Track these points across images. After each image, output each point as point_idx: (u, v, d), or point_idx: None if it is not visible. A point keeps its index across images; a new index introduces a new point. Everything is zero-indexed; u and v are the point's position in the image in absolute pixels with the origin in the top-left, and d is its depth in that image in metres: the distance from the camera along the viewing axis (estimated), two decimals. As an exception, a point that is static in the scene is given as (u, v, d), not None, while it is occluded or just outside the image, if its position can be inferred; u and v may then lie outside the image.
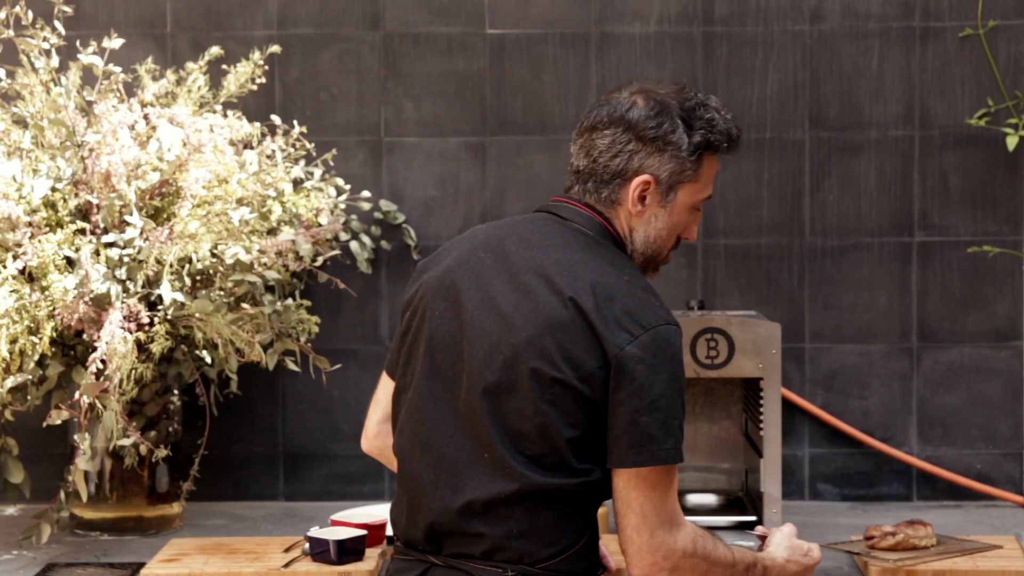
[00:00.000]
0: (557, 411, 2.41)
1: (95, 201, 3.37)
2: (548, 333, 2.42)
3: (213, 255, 3.40)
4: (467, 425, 2.47)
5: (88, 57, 3.51)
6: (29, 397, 3.41)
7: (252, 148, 3.75)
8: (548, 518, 2.45)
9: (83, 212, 3.42)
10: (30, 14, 3.49)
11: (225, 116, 3.72)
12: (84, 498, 3.49)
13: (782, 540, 2.63)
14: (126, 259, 3.32)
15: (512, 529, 2.44)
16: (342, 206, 3.86)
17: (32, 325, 3.26)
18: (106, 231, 3.39)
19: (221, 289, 3.43)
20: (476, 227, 2.64)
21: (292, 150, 3.80)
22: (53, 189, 3.37)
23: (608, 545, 2.70)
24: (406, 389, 2.56)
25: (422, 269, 2.62)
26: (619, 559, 2.63)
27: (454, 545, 2.48)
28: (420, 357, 2.53)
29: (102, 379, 3.23)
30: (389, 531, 3.42)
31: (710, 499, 3.65)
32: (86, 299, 3.23)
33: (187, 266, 3.36)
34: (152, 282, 3.35)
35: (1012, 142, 3.85)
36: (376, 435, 2.69)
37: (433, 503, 2.48)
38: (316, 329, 3.58)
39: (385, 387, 2.66)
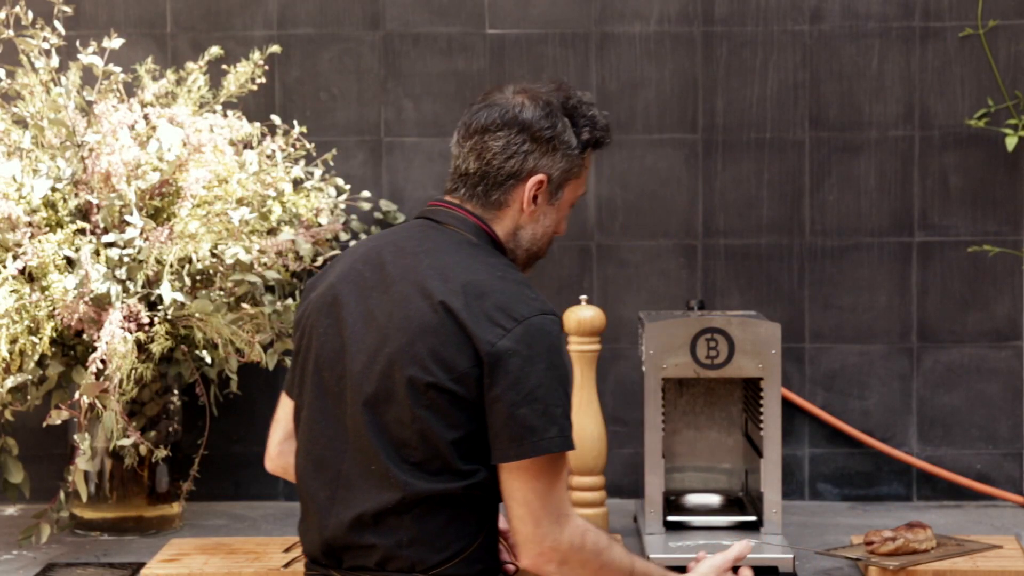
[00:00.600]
0: (435, 415, 2.41)
1: (95, 201, 3.37)
2: (420, 339, 2.42)
3: (213, 255, 3.40)
4: (355, 439, 2.47)
5: (88, 57, 3.51)
6: (29, 397, 3.41)
7: (252, 148, 3.75)
8: (437, 524, 2.45)
9: (83, 212, 3.42)
10: (30, 14, 3.49)
11: (225, 116, 3.72)
12: (84, 498, 3.49)
13: (709, 570, 2.59)
14: (126, 259, 3.32)
15: (402, 538, 2.44)
16: (342, 206, 3.86)
17: (32, 325, 3.26)
18: (106, 231, 3.39)
19: (221, 289, 3.43)
20: (360, 240, 2.66)
21: (292, 150, 3.80)
22: (53, 189, 3.37)
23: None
24: (301, 408, 2.58)
25: (310, 287, 2.63)
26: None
27: (351, 558, 2.49)
28: (309, 375, 2.54)
29: (102, 379, 3.23)
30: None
31: (710, 499, 3.65)
32: (86, 299, 3.23)
33: (187, 266, 3.37)
34: (152, 282, 3.35)
35: (1012, 142, 3.85)
36: (278, 454, 2.70)
37: (328, 519, 2.50)
38: (316, 329, 3.58)
39: (284, 406, 2.68)
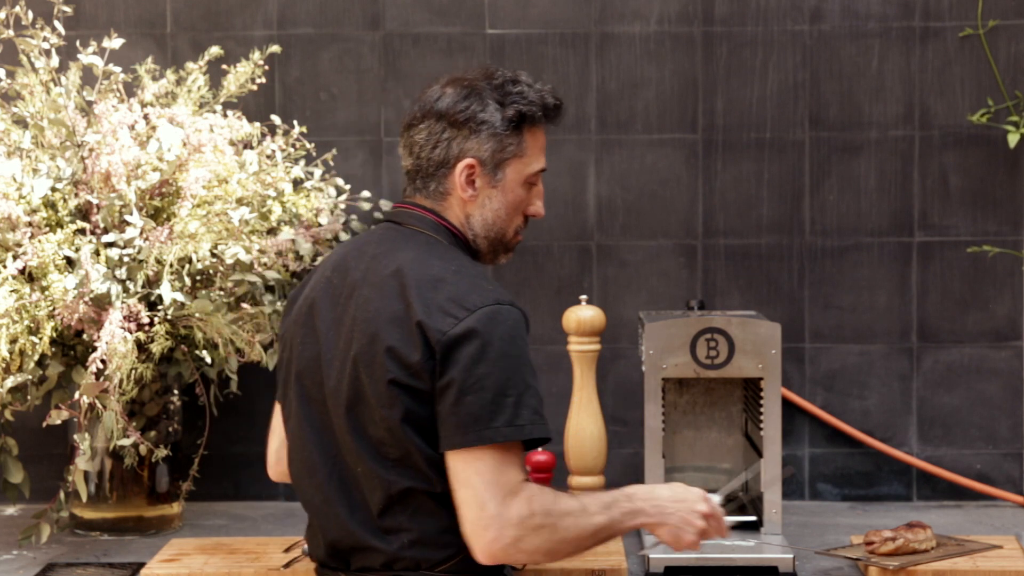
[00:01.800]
0: (398, 412, 2.42)
1: (95, 201, 3.37)
2: (378, 338, 2.44)
3: (213, 255, 3.40)
4: (341, 443, 2.50)
5: (88, 57, 3.51)
6: (29, 397, 3.41)
7: (252, 148, 3.75)
8: (437, 524, 2.46)
9: (83, 212, 3.42)
10: (30, 14, 3.49)
11: (225, 116, 3.72)
12: (84, 498, 3.49)
13: (671, 485, 2.55)
14: (126, 259, 3.32)
15: (404, 540, 2.45)
16: (342, 206, 3.86)
17: (32, 325, 3.26)
18: (106, 231, 3.39)
19: (221, 289, 3.43)
20: (335, 248, 2.70)
21: (292, 150, 3.80)
22: (53, 189, 3.37)
23: None
24: (288, 418, 2.62)
25: (291, 300, 2.68)
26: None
27: (358, 560, 2.51)
28: (292, 384, 2.58)
29: (102, 379, 3.23)
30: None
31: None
32: (86, 299, 3.23)
33: (187, 266, 3.36)
34: (152, 282, 3.35)
35: (1013, 139, 3.85)
36: (276, 462, 2.75)
37: (329, 523, 2.52)
38: (316, 329, 3.58)
39: (278, 415, 2.73)
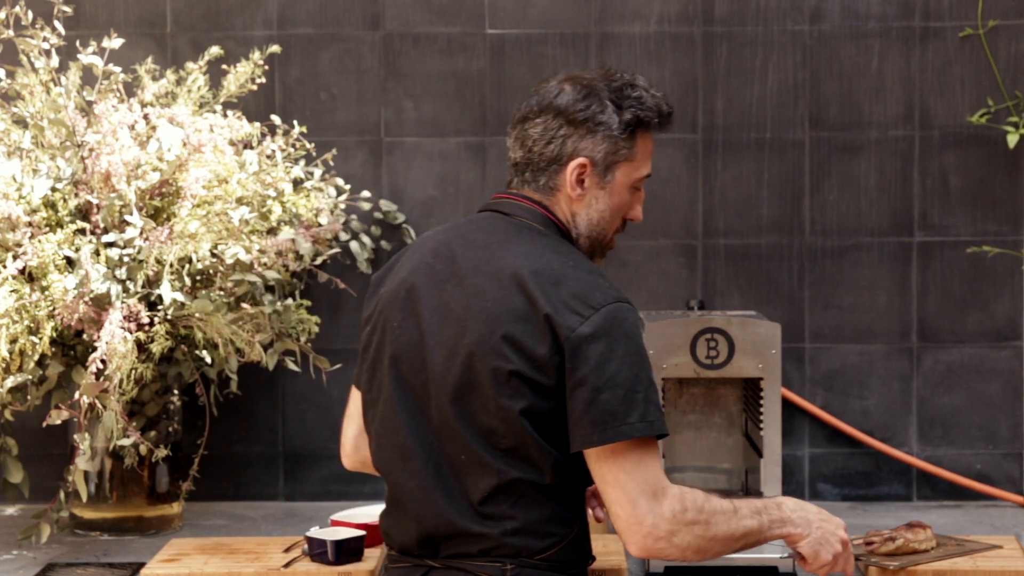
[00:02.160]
0: (518, 404, 2.42)
1: (95, 201, 3.37)
2: (499, 328, 2.44)
3: (213, 255, 3.40)
4: (441, 429, 2.50)
5: (88, 57, 3.51)
6: (29, 397, 3.41)
7: (252, 148, 3.75)
8: (540, 513, 2.47)
9: (83, 212, 3.42)
10: (30, 14, 3.49)
11: (225, 116, 3.71)
12: (84, 498, 3.49)
13: (815, 506, 2.60)
14: (126, 259, 3.32)
15: (507, 527, 2.46)
16: (342, 206, 3.86)
17: (32, 325, 3.26)
18: (106, 231, 3.39)
19: (221, 289, 3.43)
20: (425, 234, 2.67)
21: (292, 150, 3.80)
22: (53, 189, 3.37)
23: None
24: (375, 403, 2.59)
25: (377, 283, 2.65)
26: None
27: (451, 547, 2.50)
28: (385, 370, 2.56)
29: (102, 379, 3.23)
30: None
31: (710, 499, 3.64)
32: (86, 299, 3.23)
33: (187, 266, 3.36)
34: (152, 282, 3.35)
35: (1013, 140, 3.85)
36: (354, 450, 2.71)
37: (423, 509, 2.51)
38: (316, 329, 3.59)
39: (355, 401, 2.69)
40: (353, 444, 2.71)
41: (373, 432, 2.60)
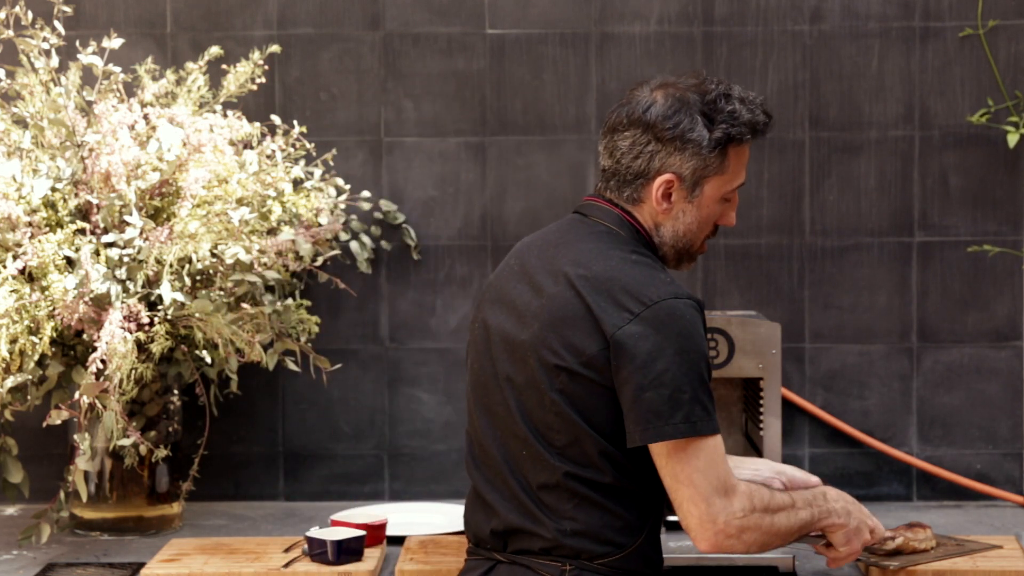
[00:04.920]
0: (569, 399, 2.45)
1: (95, 201, 3.37)
2: (551, 325, 2.48)
3: (213, 255, 3.40)
4: (505, 425, 2.54)
5: (88, 57, 3.51)
6: (29, 397, 3.41)
7: (252, 148, 3.75)
8: (600, 517, 2.47)
9: (83, 212, 3.42)
10: (30, 14, 3.49)
11: (225, 116, 3.71)
12: (84, 498, 3.49)
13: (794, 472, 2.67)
14: (126, 259, 3.32)
15: (566, 527, 2.47)
16: (342, 206, 3.86)
17: (32, 325, 3.26)
18: (106, 231, 3.39)
19: (221, 289, 3.43)
20: (525, 238, 2.73)
21: (292, 150, 3.80)
22: (53, 189, 3.37)
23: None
24: (468, 399, 2.70)
25: (485, 288, 2.74)
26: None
27: (517, 542, 2.54)
28: (471, 370, 2.66)
29: (102, 379, 3.23)
30: (388, 531, 3.42)
31: (710, 499, 3.64)
32: (86, 299, 3.23)
33: (187, 266, 3.36)
34: (152, 282, 3.35)
35: (1013, 139, 3.85)
36: None
37: (495, 503, 2.56)
38: (316, 329, 3.59)
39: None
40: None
41: (466, 428, 2.69)
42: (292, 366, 3.59)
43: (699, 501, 2.40)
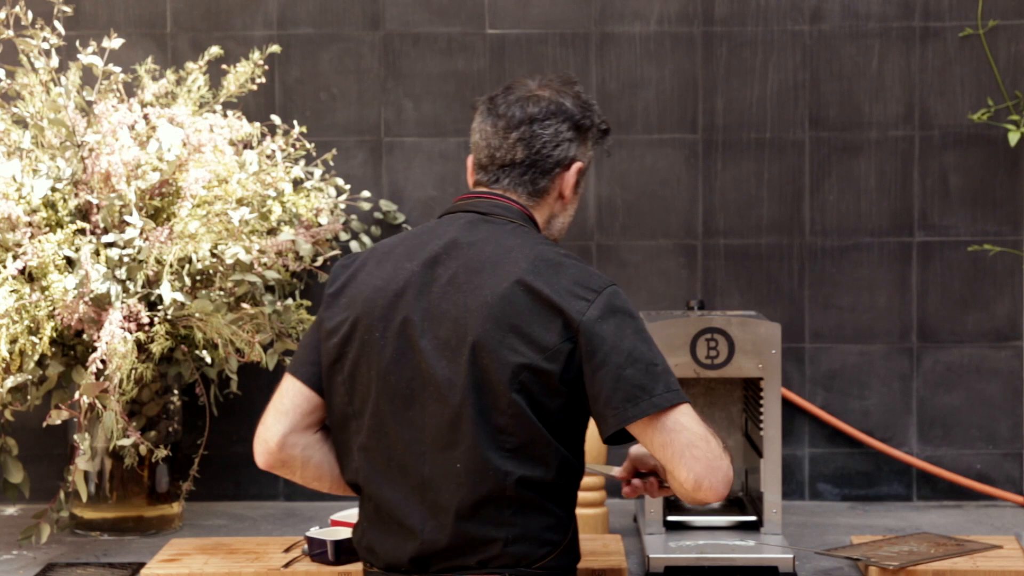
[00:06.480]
0: (529, 398, 2.42)
1: (95, 201, 3.37)
2: (504, 322, 2.44)
3: (213, 255, 3.40)
4: (439, 438, 2.47)
5: (88, 57, 3.51)
6: (29, 397, 3.41)
7: (252, 148, 3.75)
8: (540, 520, 2.46)
9: (83, 212, 3.42)
10: (30, 14, 3.49)
11: (225, 116, 3.72)
12: (84, 498, 3.50)
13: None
14: (126, 259, 3.32)
15: (507, 535, 2.45)
16: (342, 206, 3.86)
17: (32, 325, 3.26)
18: (106, 231, 3.39)
19: (221, 289, 3.43)
20: (385, 242, 2.64)
21: (292, 150, 3.80)
22: (53, 189, 3.37)
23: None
24: (357, 416, 2.54)
25: (336, 293, 2.59)
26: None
27: (445, 561, 2.47)
28: (372, 381, 2.51)
29: (102, 379, 3.23)
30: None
31: (710, 499, 3.64)
32: (86, 299, 3.23)
33: (187, 266, 3.37)
34: (152, 282, 3.35)
35: (1014, 138, 3.85)
36: (282, 447, 2.57)
37: (416, 525, 2.48)
38: (316, 329, 3.58)
39: (294, 396, 2.59)
40: (280, 441, 2.57)
41: (358, 445, 2.54)
42: (292, 366, 3.59)
43: (701, 457, 2.42)
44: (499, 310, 2.44)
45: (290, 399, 2.60)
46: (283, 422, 2.58)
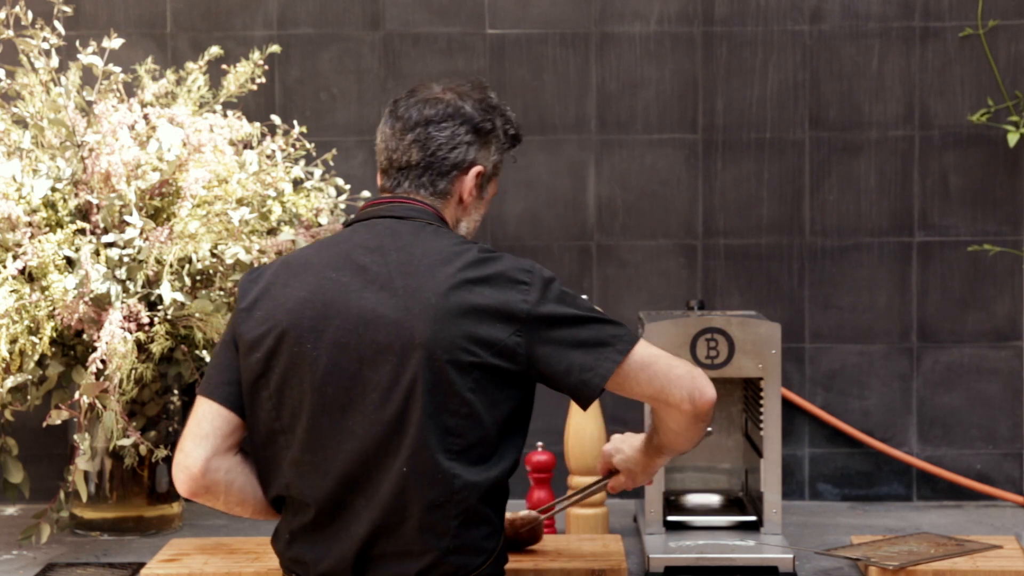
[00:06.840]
0: (480, 397, 2.42)
1: (95, 201, 3.37)
2: (452, 323, 2.43)
3: (213, 255, 3.40)
4: (382, 444, 2.45)
5: (88, 57, 3.51)
6: (29, 397, 3.41)
7: (252, 148, 3.75)
8: (479, 529, 2.47)
9: (83, 212, 3.42)
10: (30, 14, 3.49)
11: (225, 116, 3.71)
12: (84, 498, 3.49)
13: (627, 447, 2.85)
14: (126, 259, 3.32)
15: (448, 545, 2.44)
16: (342, 206, 3.86)
17: (32, 325, 3.26)
18: (106, 231, 3.39)
19: (221, 289, 3.43)
20: (297, 252, 2.61)
21: (292, 150, 3.80)
22: (53, 189, 3.37)
23: None
24: (287, 431, 2.51)
25: (249, 308, 2.55)
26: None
27: (383, 569, 2.46)
28: (306, 393, 2.48)
29: (102, 379, 3.23)
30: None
31: (710, 499, 3.64)
32: (86, 299, 3.23)
33: (187, 266, 3.37)
34: (152, 282, 3.35)
35: (1013, 139, 3.85)
36: (205, 472, 2.53)
37: (362, 530, 2.46)
38: (316, 329, 3.58)
39: (213, 420, 2.55)
40: (203, 467, 2.52)
41: (288, 460, 2.51)
42: (292, 366, 3.59)
43: (685, 380, 2.50)
44: (444, 311, 2.43)
45: (209, 422, 2.55)
46: (204, 446, 2.54)
